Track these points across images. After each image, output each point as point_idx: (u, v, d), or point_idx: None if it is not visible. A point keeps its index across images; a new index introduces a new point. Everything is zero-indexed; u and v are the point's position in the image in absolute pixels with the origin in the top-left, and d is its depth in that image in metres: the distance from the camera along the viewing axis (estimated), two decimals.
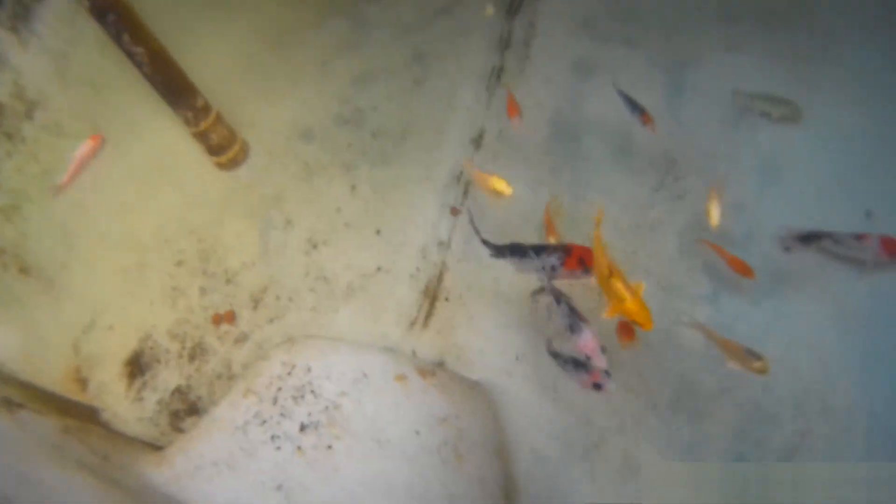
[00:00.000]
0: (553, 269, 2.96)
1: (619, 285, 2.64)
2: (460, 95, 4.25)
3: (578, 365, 2.88)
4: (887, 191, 3.57)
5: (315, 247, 3.83)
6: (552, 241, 3.49)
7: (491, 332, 3.56)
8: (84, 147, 3.41)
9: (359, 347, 3.28)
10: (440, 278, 3.69)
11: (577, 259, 2.94)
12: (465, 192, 3.89)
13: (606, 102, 4.01)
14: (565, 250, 2.96)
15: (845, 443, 3.18)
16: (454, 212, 3.84)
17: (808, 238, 3.35)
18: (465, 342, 3.56)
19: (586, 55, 4.31)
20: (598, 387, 2.83)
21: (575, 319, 2.79)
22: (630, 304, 2.64)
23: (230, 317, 3.70)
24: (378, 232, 3.83)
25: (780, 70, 3.99)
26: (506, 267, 3.53)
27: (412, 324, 3.59)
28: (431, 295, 3.65)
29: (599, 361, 2.74)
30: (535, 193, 3.85)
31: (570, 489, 3.29)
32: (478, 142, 4.07)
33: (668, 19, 4.32)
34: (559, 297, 2.89)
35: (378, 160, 4.09)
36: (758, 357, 2.86)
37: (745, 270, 3.21)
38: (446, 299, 3.64)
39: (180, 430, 3.54)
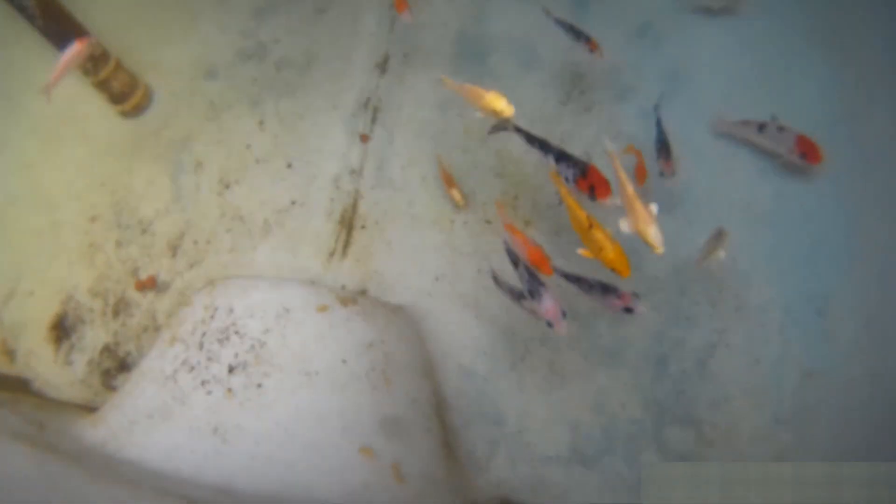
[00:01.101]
0: (566, 179, 2.95)
1: (598, 235, 2.74)
2: (363, 21, 4.20)
3: (606, 290, 2.92)
4: (798, 95, 3.64)
5: (228, 187, 3.81)
6: (454, 193, 3.56)
7: (409, 256, 3.61)
8: (70, 49, 3.33)
9: (279, 283, 3.30)
10: (355, 206, 3.70)
11: (589, 185, 2.88)
12: (374, 119, 3.88)
13: (511, 18, 4.01)
14: (585, 171, 2.90)
15: (762, 339, 3.29)
16: (364, 139, 3.83)
17: (739, 125, 3.47)
18: (385, 268, 3.61)
19: None
20: (629, 311, 2.88)
21: (535, 284, 2.83)
22: (608, 253, 2.72)
23: (152, 282, 3.67)
24: (289, 165, 3.82)
25: None
26: (419, 189, 3.57)
27: (331, 254, 3.61)
28: (348, 224, 3.67)
29: (560, 327, 2.77)
30: (445, 114, 3.85)
31: (500, 401, 3.39)
32: (383, 66, 4.05)
33: None
34: (516, 261, 2.95)
35: (284, 93, 4.05)
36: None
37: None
38: (363, 227, 3.66)
39: (114, 389, 3.53)
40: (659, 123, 3.44)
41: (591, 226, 2.75)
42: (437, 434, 3.16)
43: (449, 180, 3.59)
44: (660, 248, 2.73)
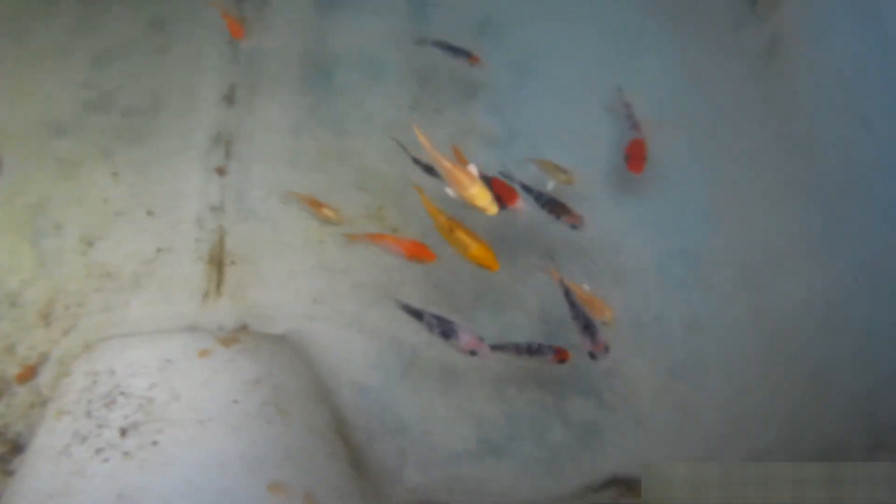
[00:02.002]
0: None
1: (461, 235, 2.88)
2: (205, 55, 4.18)
3: (586, 328, 3.02)
4: (644, 68, 3.77)
5: (91, 244, 3.74)
6: (325, 212, 3.62)
7: (284, 283, 3.65)
8: None
9: (156, 335, 3.28)
10: (222, 243, 3.70)
11: (496, 196, 3.01)
12: (228, 152, 3.87)
13: (352, 33, 4.07)
14: (488, 185, 3.02)
15: (642, 300, 3.44)
16: (220, 171, 3.81)
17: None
18: (261, 299, 3.63)
19: None
20: (593, 356, 3.00)
21: (445, 325, 2.94)
22: (474, 250, 2.79)
23: (30, 372, 3.57)
24: (150, 213, 3.78)
25: None
26: (283, 216, 3.57)
27: (205, 296, 3.60)
28: (217, 262, 3.66)
29: (485, 353, 2.93)
30: (298, 137, 3.86)
31: (400, 409, 3.46)
32: (230, 98, 4.05)
33: None
34: (420, 312, 3.03)
35: (135, 140, 4.00)
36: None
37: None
38: (233, 263, 3.66)
39: (13, 474, 3.43)
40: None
41: (451, 228, 2.82)
42: (343, 455, 3.20)
43: (315, 203, 3.60)
44: (493, 209, 2.84)
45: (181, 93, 4.09)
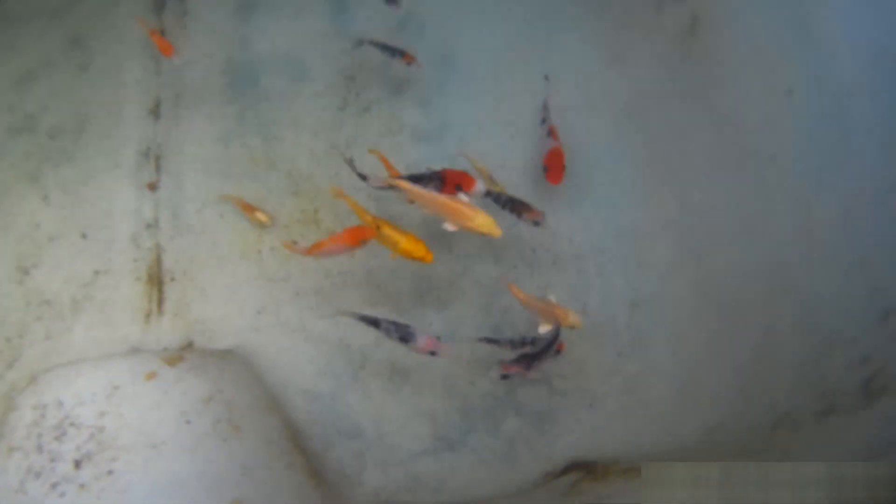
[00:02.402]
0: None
1: (388, 232, 2.92)
2: (128, 70, 4.10)
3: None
4: (563, 49, 3.79)
5: (27, 273, 3.68)
6: (258, 216, 3.65)
7: (226, 296, 3.64)
8: None
9: (101, 362, 3.26)
10: (159, 261, 3.67)
11: (455, 185, 3.14)
12: (158, 167, 3.83)
13: (275, 37, 4.05)
14: (442, 178, 3.15)
15: (583, 284, 3.60)
16: (151, 187, 3.77)
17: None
18: (205, 315, 3.62)
19: None
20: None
21: (403, 330, 3.02)
22: (404, 244, 2.83)
23: None
24: (84, 236, 3.73)
25: None
26: (219, 228, 3.55)
27: (147, 316, 3.58)
28: (156, 281, 3.64)
29: (446, 350, 3.02)
30: (227, 146, 3.84)
31: (353, 413, 3.50)
32: (156, 112, 3.99)
33: None
34: (376, 321, 3.09)
35: (62, 161, 3.92)
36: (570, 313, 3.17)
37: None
38: (172, 280, 3.64)
39: None
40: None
41: (378, 226, 2.84)
42: (301, 465, 3.22)
43: (247, 207, 3.58)
44: (498, 231, 2.95)
45: (106, 110, 4.02)
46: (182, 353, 3.32)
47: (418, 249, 2.95)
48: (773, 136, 3.34)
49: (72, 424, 2.98)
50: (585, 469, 3.29)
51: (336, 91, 3.96)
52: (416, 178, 3.19)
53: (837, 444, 2.79)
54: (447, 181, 3.17)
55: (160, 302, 3.60)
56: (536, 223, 3.29)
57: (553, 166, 3.48)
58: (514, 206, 3.33)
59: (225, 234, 3.69)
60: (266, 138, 3.87)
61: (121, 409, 3.02)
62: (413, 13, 4.04)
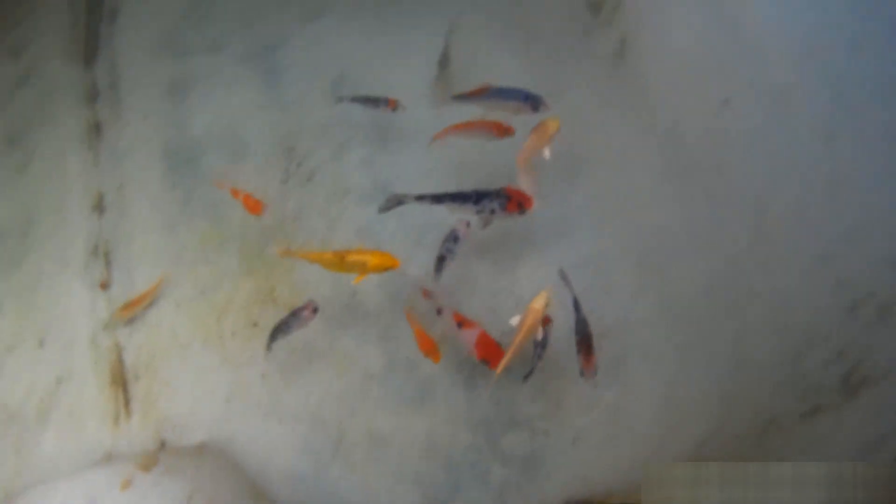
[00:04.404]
0: (493, 211, 3.28)
1: (353, 258, 3.02)
2: (67, 166, 4.09)
3: None
4: (504, 72, 3.81)
5: None
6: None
7: (192, 388, 3.61)
8: None
9: (75, 476, 3.21)
10: (120, 360, 3.62)
11: (518, 203, 3.27)
12: (107, 262, 3.79)
13: (211, 115, 4.04)
14: (507, 195, 3.27)
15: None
16: (103, 286, 3.73)
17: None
18: (173, 410, 3.58)
19: (176, 75, 4.30)
20: None
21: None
22: (372, 261, 3.00)
23: None
24: (41, 343, 3.67)
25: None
26: (176, 317, 3.49)
27: (116, 418, 3.53)
28: (121, 380, 3.60)
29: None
30: (174, 233, 3.80)
31: (338, 489, 3.46)
32: (100, 206, 3.95)
33: (245, 12, 4.38)
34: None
35: (10, 266, 3.91)
36: None
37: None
38: (136, 377, 3.58)
39: None
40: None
41: (342, 257, 2.87)
42: None
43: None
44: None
45: (49, 209, 4.00)
46: (155, 456, 3.27)
47: (386, 259, 3.03)
48: (716, 147, 3.33)
49: None
50: None
51: (277, 163, 3.95)
52: (480, 196, 3.28)
53: (829, 443, 2.81)
54: (511, 197, 3.27)
55: (126, 402, 3.55)
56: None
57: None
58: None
59: (183, 323, 3.66)
60: (213, 220, 3.84)
61: None
62: (346, 73, 4.07)
